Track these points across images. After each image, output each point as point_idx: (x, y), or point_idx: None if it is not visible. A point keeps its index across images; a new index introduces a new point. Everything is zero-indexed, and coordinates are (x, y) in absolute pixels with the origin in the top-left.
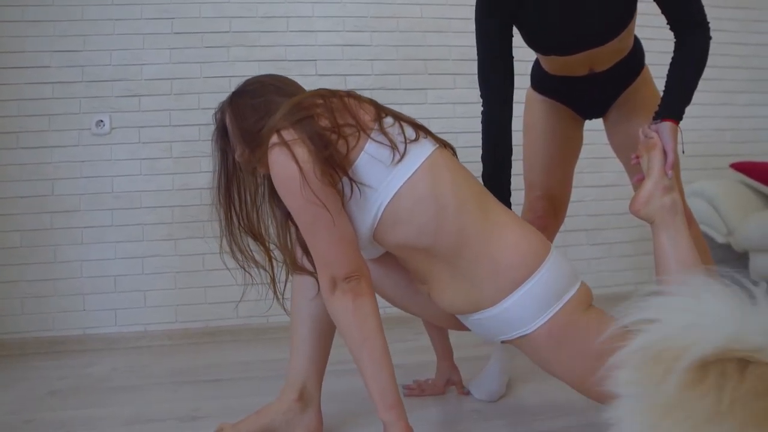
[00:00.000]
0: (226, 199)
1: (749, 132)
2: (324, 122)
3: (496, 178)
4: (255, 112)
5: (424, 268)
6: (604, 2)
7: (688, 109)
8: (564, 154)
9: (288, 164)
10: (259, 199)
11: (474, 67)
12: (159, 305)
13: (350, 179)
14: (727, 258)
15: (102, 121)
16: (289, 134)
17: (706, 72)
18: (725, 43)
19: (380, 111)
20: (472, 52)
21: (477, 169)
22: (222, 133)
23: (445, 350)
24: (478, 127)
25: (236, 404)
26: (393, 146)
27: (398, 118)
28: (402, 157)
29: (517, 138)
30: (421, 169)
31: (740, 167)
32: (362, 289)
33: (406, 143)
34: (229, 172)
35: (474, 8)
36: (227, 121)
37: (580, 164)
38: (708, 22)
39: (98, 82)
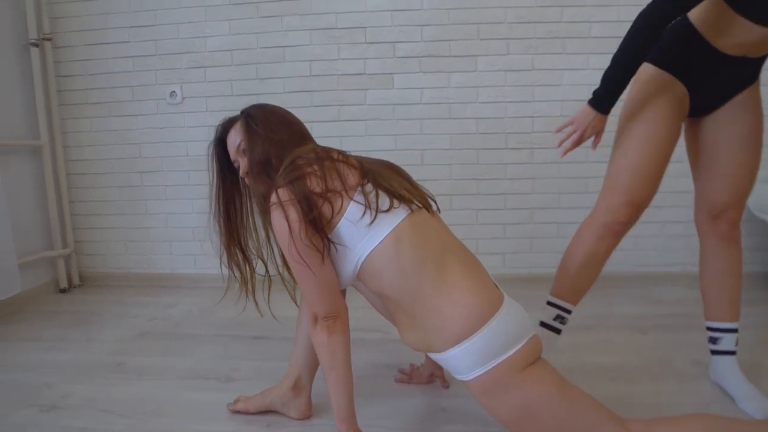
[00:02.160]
0: (226, 215)
1: None
2: (313, 182)
3: (622, 80)
4: (264, 145)
5: (393, 311)
6: None
7: None
8: (668, 155)
9: (282, 224)
10: (251, 219)
11: (529, 30)
12: None
13: (330, 240)
14: None
15: (174, 91)
16: (284, 194)
17: None
18: None
19: (365, 177)
20: (530, 14)
21: (534, 138)
22: (221, 144)
23: None
24: (529, 96)
25: (269, 367)
26: (368, 207)
27: (378, 185)
28: (372, 221)
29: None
30: (387, 238)
31: None
32: (337, 328)
33: (377, 212)
34: (228, 190)
35: None
36: (234, 135)
37: None
38: None
39: (169, 54)
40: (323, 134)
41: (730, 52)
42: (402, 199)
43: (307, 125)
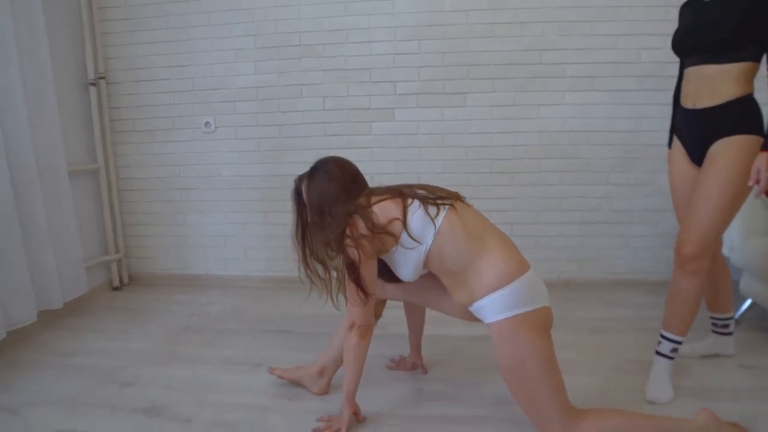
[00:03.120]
0: (303, 241)
1: None
2: (367, 240)
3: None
4: (319, 202)
5: (447, 280)
6: (726, 12)
7: None
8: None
9: (353, 254)
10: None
11: (512, 71)
12: (255, 258)
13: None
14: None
15: (209, 122)
16: (354, 254)
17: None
18: None
19: (406, 199)
20: (513, 57)
21: (516, 164)
22: (298, 193)
23: (415, 345)
24: (513, 128)
25: (291, 356)
26: (420, 243)
27: (422, 198)
28: (435, 231)
29: None
30: (443, 225)
31: None
32: (367, 335)
33: (434, 221)
34: (304, 223)
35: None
36: (303, 191)
37: (610, 163)
38: None
39: (204, 90)
40: None
41: (685, 104)
42: (443, 198)
43: (322, 152)
